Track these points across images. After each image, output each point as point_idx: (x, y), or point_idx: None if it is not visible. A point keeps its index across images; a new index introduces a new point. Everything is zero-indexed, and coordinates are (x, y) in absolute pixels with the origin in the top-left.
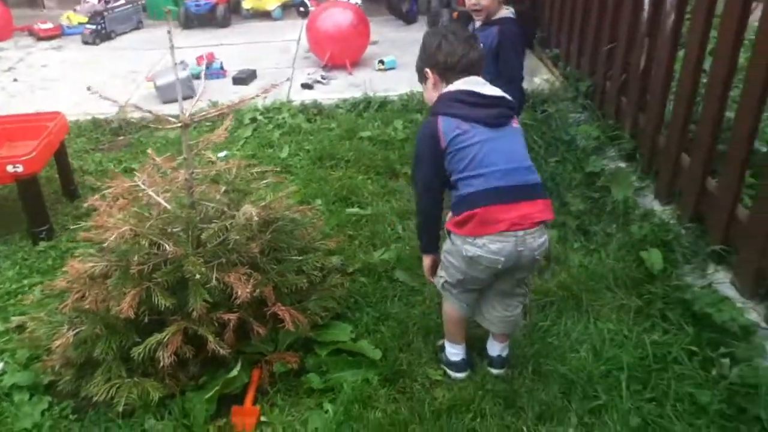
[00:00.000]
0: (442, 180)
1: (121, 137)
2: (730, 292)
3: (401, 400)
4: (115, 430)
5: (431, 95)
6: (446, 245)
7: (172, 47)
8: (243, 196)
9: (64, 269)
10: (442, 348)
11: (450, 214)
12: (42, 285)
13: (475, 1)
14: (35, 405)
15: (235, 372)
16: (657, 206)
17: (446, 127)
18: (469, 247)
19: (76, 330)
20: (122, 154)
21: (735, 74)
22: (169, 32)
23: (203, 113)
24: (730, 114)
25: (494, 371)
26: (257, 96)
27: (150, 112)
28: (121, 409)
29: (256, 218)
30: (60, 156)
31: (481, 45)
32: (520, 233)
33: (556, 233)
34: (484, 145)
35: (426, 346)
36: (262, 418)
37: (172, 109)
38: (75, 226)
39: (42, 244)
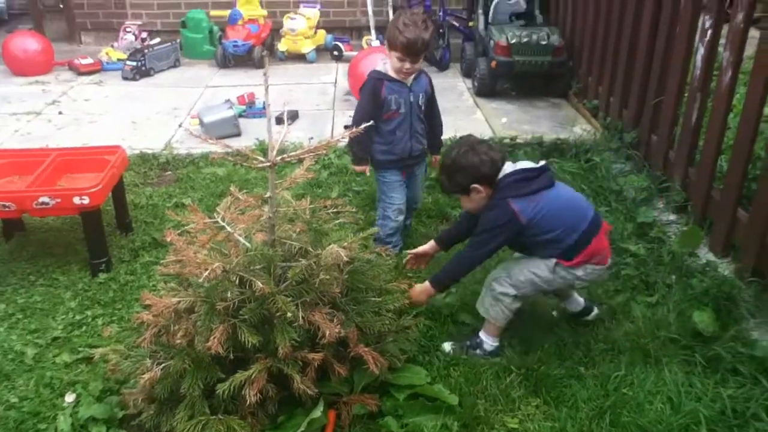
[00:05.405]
0: None
1: (169, 172)
2: None
3: None
4: None
5: (482, 203)
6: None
7: (266, 86)
8: (321, 235)
9: (145, 302)
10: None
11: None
12: (104, 316)
13: (409, 66)
14: None
15: (318, 413)
16: (712, 258)
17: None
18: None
19: (163, 364)
20: (172, 189)
21: None
22: (265, 74)
23: (292, 154)
24: None
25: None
26: (336, 139)
27: (239, 151)
28: None
29: (345, 258)
30: (117, 190)
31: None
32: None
33: (619, 283)
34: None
35: (501, 392)
36: None
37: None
38: (143, 259)
39: (101, 276)
